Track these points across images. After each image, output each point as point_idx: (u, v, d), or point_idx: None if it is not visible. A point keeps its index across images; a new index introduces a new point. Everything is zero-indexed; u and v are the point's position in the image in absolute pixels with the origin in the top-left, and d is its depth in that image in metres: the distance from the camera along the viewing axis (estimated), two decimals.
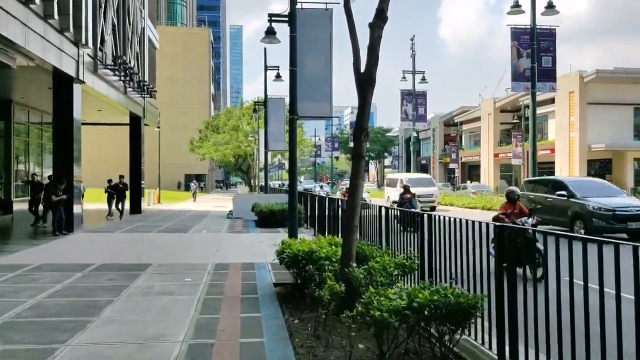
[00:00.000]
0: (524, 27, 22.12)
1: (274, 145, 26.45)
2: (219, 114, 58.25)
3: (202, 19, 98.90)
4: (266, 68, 26.05)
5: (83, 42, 14.76)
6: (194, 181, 38.62)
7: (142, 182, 24.59)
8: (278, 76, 25.83)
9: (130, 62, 20.02)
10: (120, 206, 21.13)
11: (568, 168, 42.14)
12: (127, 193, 22.01)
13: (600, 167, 42.40)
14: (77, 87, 15.27)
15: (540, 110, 47.82)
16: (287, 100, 27.70)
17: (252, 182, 48.76)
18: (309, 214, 16.98)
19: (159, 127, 35.77)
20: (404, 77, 37.34)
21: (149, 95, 23.80)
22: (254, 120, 43.15)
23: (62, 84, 14.72)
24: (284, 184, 62.84)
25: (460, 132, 64.32)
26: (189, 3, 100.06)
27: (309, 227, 16.85)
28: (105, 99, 18.78)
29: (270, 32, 12.51)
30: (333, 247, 6.99)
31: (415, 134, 36.54)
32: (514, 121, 44.39)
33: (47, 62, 12.83)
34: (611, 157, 41.85)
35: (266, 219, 17.60)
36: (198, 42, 75.14)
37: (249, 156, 46.69)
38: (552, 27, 22.51)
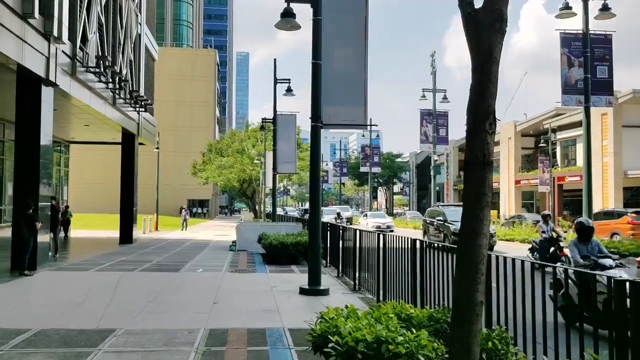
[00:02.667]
0: (575, 32, 19.31)
1: (283, 167, 23.52)
2: (223, 137, 55.57)
3: (209, 43, 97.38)
4: (276, 81, 23.28)
5: (55, 35, 11.97)
6: (184, 207, 34.80)
7: (135, 207, 21.61)
8: (289, 90, 23.06)
9: (120, 70, 17.24)
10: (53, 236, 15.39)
11: (602, 196, 38.91)
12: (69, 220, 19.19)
13: (635, 194, 39.20)
14: (47, 91, 12.42)
15: (566, 134, 44.94)
16: (299, 116, 24.98)
17: (257, 208, 45.75)
18: (328, 247, 13.92)
19: (157, 148, 32.95)
20: (423, 96, 34.61)
21: (144, 110, 20.99)
22: (260, 143, 40.42)
23: (27, 86, 11.87)
24: (286, 212, 59.69)
25: None
26: (195, 26, 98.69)
27: (329, 264, 13.76)
28: (87, 110, 15.95)
29: (287, 15, 9.60)
30: (412, 328, 3.93)
31: (436, 158, 33.55)
32: (541, 145, 41.34)
33: None
34: None
35: (276, 254, 14.53)
36: (204, 63, 73.06)
37: (254, 180, 43.82)
38: (607, 33, 19.68)
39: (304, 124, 25.07)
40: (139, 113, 21.01)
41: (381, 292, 8.52)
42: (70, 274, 11.79)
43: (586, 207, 19.58)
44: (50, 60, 12.09)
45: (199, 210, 69.16)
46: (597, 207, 38.60)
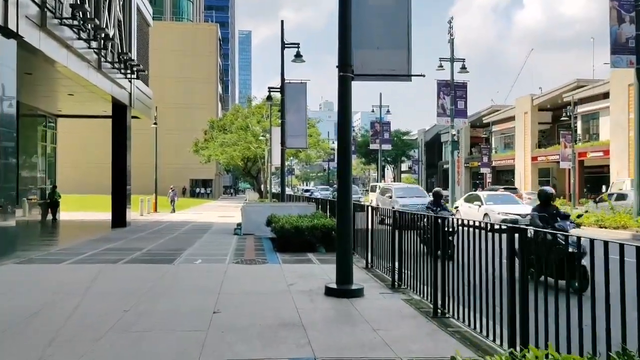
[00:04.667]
0: None
1: (292, 141, 21.27)
2: (226, 114, 53.12)
3: (210, 18, 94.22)
4: (283, 45, 20.86)
5: None
6: (172, 187, 31.35)
7: (128, 187, 19.42)
8: (298, 55, 20.68)
9: (106, 26, 14.86)
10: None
11: (627, 172, 36.52)
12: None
13: None
14: (7, 45, 10.12)
15: (588, 107, 42.37)
16: (309, 85, 22.60)
17: (262, 187, 43.59)
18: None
19: (155, 124, 30.64)
20: (440, 66, 32.05)
21: (136, 77, 18.65)
22: (265, 119, 38.09)
23: None
24: (311, 192, 57.43)
25: (489, 133, 58.80)
26: (196, 0, 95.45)
27: (354, 253, 11.56)
28: (67, 73, 13.64)
29: None
30: None
31: (454, 132, 31.11)
32: (563, 118, 38.83)
33: None
34: None
35: (289, 240, 12.34)
36: (205, 38, 70.29)
37: (259, 159, 41.57)
38: None
39: (313, 103, 22.88)
40: (130, 81, 18.68)
41: (439, 295, 6.32)
42: (39, 267, 9.61)
43: (637, 180, 17.27)
44: (9, 5, 9.75)
45: (202, 191, 67.11)
46: (618, 187, 36.36)
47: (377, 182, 55.79)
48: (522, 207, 20.74)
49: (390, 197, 24.73)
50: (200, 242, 14.35)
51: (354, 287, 7.49)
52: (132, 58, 17.97)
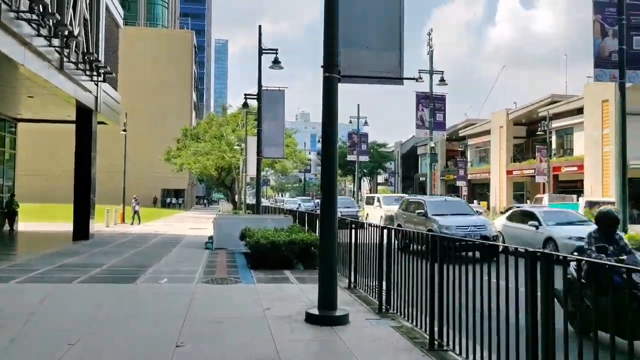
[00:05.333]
0: None
1: (269, 150, 20.43)
2: (200, 122, 51.96)
3: (185, 25, 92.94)
4: (261, 50, 20.07)
5: None
6: (135, 197, 29.01)
7: (92, 196, 18.24)
8: (276, 62, 19.94)
9: (70, 24, 13.82)
10: None
11: (601, 187, 36.66)
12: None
13: (633, 186, 37.02)
14: None
15: (562, 123, 42.59)
16: (286, 95, 21.85)
17: (236, 198, 42.54)
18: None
19: (125, 130, 29.42)
20: (420, 77, 31.67)
21: (102, 80, 17.58)
22: (241, 128, 37.18)
23: None
24: (299, 205, 55.76)
25: (465, 147, 58.92)
26: (171, 6, 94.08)
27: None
28: (25, 72, 12.57)
29: None
30: None
31: (433, 144, 30.73)
32: (539, 132, 38.91)
33: None
34: None
35: (264, 256, 11.43)
36: (180, 45, 69.05)
37: (234, 169, 40.54)
38: None
39: (289, 114, 21.83)
40: (97, 84, 17.60)
41: (436, 323, 5.55)
42: None
43: (620, 194, 16.92)
44: None
45: (174, 201, 65.45)
46: (596, 198, 36.42)
47: (355, 193, 55.22)
48: (587, 227, 13.94)
49: (424, 216, 16.84)
50: (168, 258, 13.33)
51: (338, 313, 6.66)
52: (99, 59, 16.92)
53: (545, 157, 38.01)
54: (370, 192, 77.77)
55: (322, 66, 6.82)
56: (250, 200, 43.48)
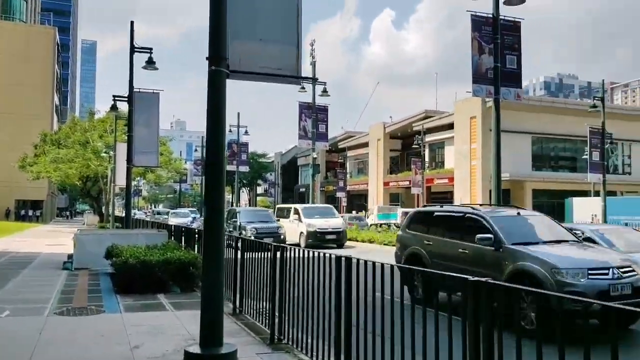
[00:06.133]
0: (486, 15, 17.30)
1: (141, 158, 18.59)
2: (62, 126, 47.24)
3: (47, 21, 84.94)
4: (133, 49, 18.20)
5: None
6: None
7: None
8: (151, 62, 18.33)
9: None
10: None
11: (469, 198, 39.11)
12: None
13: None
14: None
15: (435, 137, 44.97)
16: (160, 102, 20.09)
17: (103, 210, 39.05)
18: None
19: None
20: (302, 88, 31.43)
21: None
22: (109, 134, 34.19)
23: None
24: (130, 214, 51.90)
25: (344, 158, 60.15)
26: (32, 0, 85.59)
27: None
28: None
29: None
30: None
31: (315, 155, 30.52)
32: (414, 146, 40.61)
33: None
34: (509, 187, 39.68)
35: (133, 278, 9.93)
36: (40, 42, 62.65)
37: (101, 178, 37.15)
38: (516, 20, 17.94)
39: (163, 122, 19.78)
40: None
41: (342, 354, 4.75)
42: None
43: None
44: None
45: (30, 213, 58.81)
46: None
47: (234, 205, 53.63)
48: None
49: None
50: (16, 282, 11.22)
51: (224, 350, 5.58)
52: None
53: (420, 170, 39.72)
54: (250, 204, 76.39)
55: (207, 58, 5.78)
56: (121, 212, 40.15)
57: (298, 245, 20.43)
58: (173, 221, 29.02)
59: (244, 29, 6.02)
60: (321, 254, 5.46)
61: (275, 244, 6.77)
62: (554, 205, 39.98)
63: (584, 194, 34.85)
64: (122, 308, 8.40)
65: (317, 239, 22.82)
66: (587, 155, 29.76)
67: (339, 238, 23.55)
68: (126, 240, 12.60)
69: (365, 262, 4.57)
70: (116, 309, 8.36)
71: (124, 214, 20.87)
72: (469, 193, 39.38)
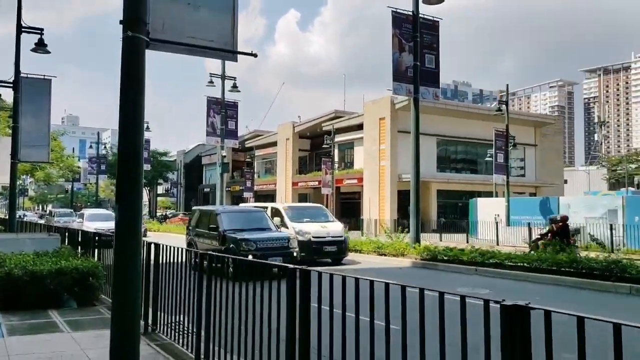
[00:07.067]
0: (406, 12, 17.14)
1: (29, 153, 16.46)
2: None
3: None
4: (20, 28, 15.98)
5: None
6: None
7: None
8: (41, 44, 16.27)
9: None
10: None
11: (378, 199, 39.55)
12: None
13: (406, 198, 40.89)
14: None
15: (344, 137, 45.09)
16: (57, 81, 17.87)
17: None
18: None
19: None
20: (211, 82, 30.00)
21: None
22: None
23: None
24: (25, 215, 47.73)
25: (252, 158, 58.83)
26: None
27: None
28: None
29: None
30: None
31: (224, 153, 29.14)
32: (325, 145, 40.32)
33: None
34: None
35: (19, 292, 8.34)
36: None
37: None
38: (435, 19, 18.00)
39: (54, 116, 17.18)
40: None
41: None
42: None
43: (414, 208, 17.54)
44: None
45: None
46: (373, 211, 39.22)
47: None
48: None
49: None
50: None
51: None
52: None
53: (330, 170, 39.51)
54: (150, 204, 72.54)
55: (120, 21, 4.65)
56: (5, 214, 36.09)
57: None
58: (91, 227, 21.12)
59: None
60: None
61: (291, 266, 4.43)
62: (456, 205, 41.66)
63: (486, 194, 36.47)
64: (5, 330, 6.89)
65: (312, 252, 16.36)
66: (489, 157, 31.05)
67: (339, 250, 17.01)
68: (9, 246, 10.76)
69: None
70: None
71: (7, 216, 18.35)
72: (377, 193, 39.83)
